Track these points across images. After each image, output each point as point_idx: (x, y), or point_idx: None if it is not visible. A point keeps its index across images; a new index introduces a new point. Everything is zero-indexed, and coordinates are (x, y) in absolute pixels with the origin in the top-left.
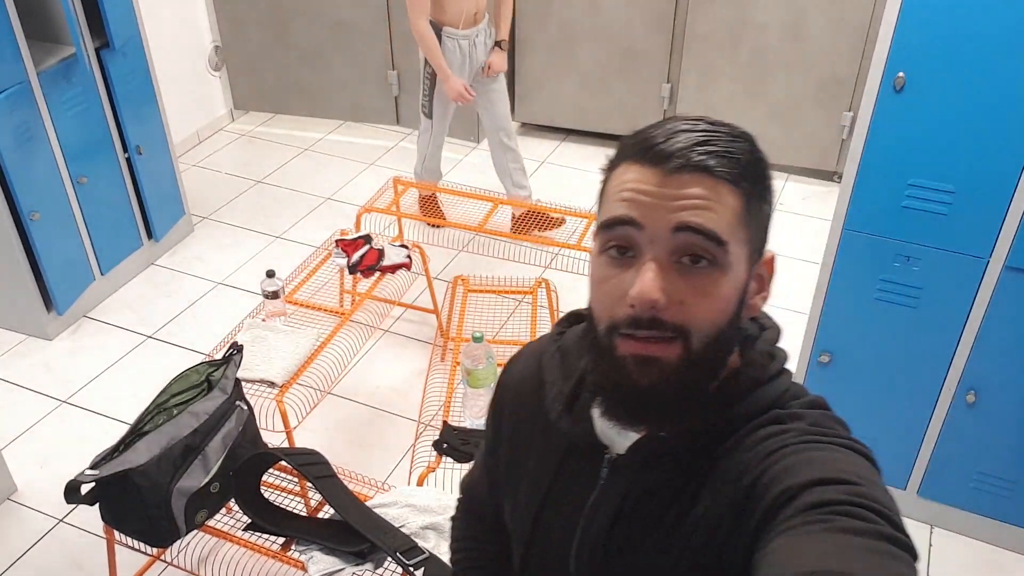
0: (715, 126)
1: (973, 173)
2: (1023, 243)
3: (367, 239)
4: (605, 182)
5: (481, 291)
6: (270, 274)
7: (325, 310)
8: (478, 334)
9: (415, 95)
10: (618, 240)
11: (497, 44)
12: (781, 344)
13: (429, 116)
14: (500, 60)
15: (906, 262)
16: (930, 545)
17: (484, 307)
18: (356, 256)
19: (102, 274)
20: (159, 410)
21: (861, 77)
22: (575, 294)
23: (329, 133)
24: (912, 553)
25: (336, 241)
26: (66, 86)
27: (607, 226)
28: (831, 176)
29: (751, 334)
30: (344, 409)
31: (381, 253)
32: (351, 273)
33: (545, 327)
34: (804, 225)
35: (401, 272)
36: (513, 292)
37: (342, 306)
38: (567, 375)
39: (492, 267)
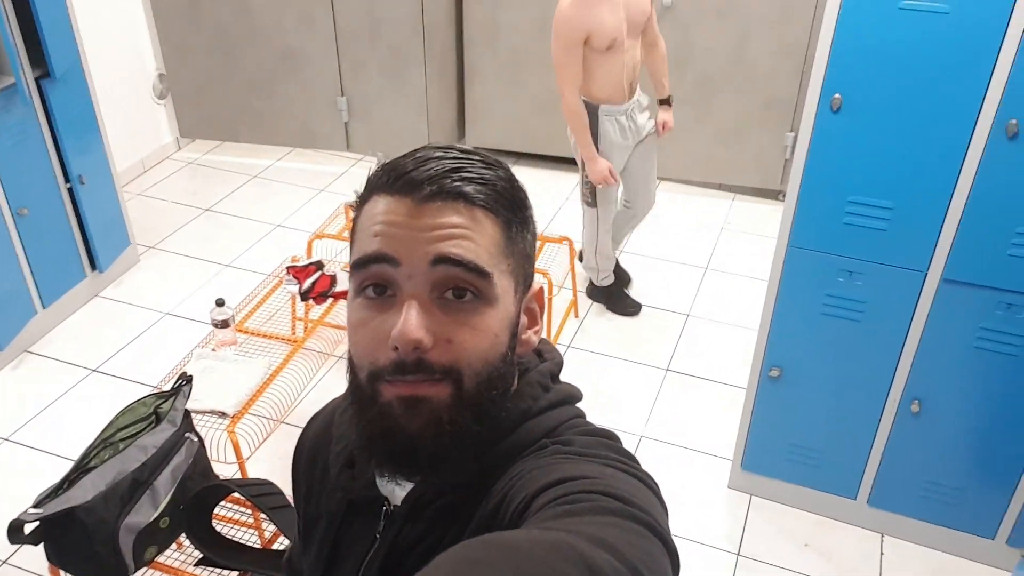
0: (467, 154)
1: (909, 190)
2: (959, 256)
3: (319, 265)
4: (355, 219)
5: None
6: (220, 303)
7: (277, 338)
8: None
9: (365, 120)
10: (374, 279)
11: (663, 103)
12: (565, 376)
13: (593, 204)
14: (669, 117)
15: (849, 277)
16: (881, 553)
17: None
18: (308, 282)
19: (44, 307)
20: (105, 445)
21: (801, 98)
22: None
23: (278, 160)
24: (652, 530)
25: (287, 268)
26: (4, 116)
27: (360, 264)
28: (776, 195)
29: (527, 367)
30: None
31: (333, 279)
32: (303, 300)
33: None
34: (751, 244)
35: None
36: None
37: (294, 333)
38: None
39: None
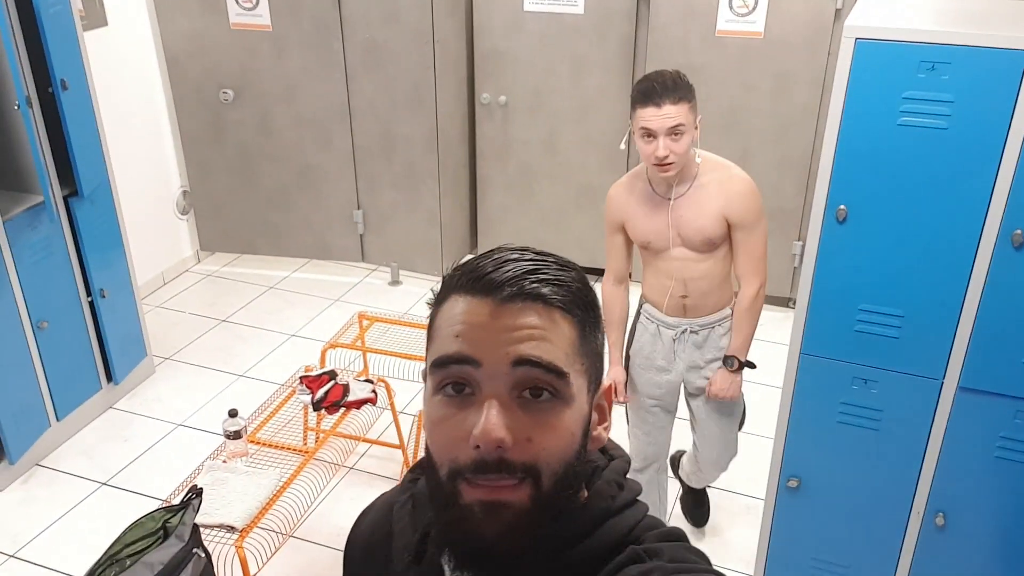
0: (542, 255)
1: (919, 298)
2: (974, 364)
3: (332, 375)
4: (433, 318)
5: None
6: (232, 413)
7: (289, 449)
8: None
9: (380, 233)
10: (454, 378)
11: (725, 361)
12: (631, 476)
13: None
14: (722, 381)
15: (864, 385)
16: None
17: None
18: (321, 392)
19: (58, 420)
20: (111, 562)
21: (807, 208)
22: None
23: (295, 271)
24: None
25: (300, 378)
26: (31, 233)
27: (441, 364)
28: (786, 302)
29: (598, 465)
30: (306, 553)
31: (346, 388)
32: (315, 410)
33: None
34: (764, 351)
35: (367, 407)
36: None
37: (306, 444)
38: (416, 525)
39: None
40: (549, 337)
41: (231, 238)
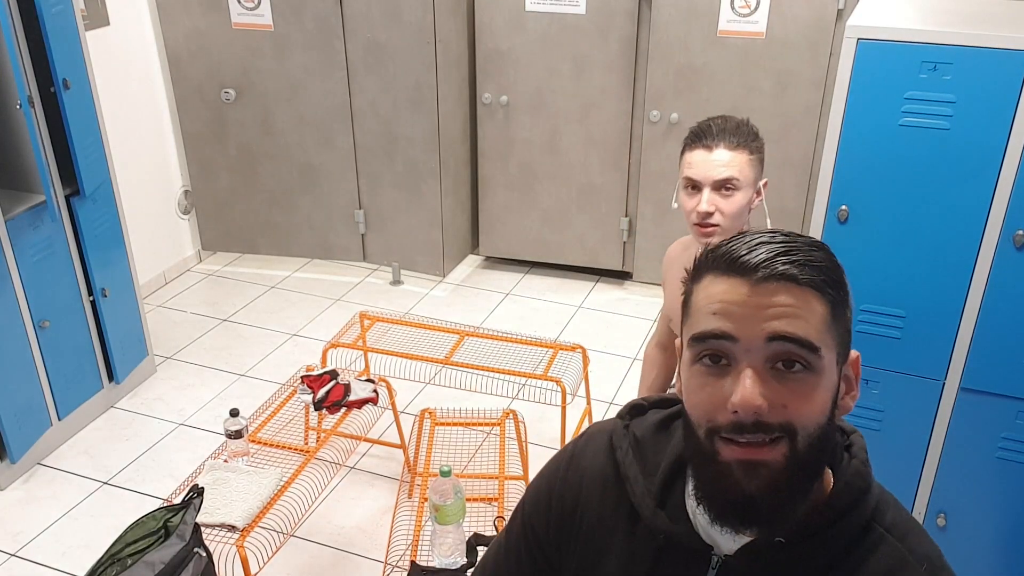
0: (791, 237)
1: (921, 299)
2: (975, 365)
3: (333, 374)
4: (689, 295)
5: (448, 424)
6: (233, 413)
7: (290, 448)
8: (446, 468)
9: (381, 232)
10: (712, 350)
11: None
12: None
13: None
14: None
15: (866, 386)
16: None
17: (452, 440)
18: (322, 392)
19: (59, 419)
20: (112, 561)
21: (808, 209)
22: (543, 424)
23: (296, 271)
24: None
25: (302, 377)
26: (32, 233)
27: (701, 339)
28: None
29: (838, 442)
30: (306, 552)
31: (347, 388)
32: (316, 409)
33: (514, 458)
34: None
35: (368, 407)
36: (481, 424)
37: (307, 443)
38: (648, 471)
39: (459, 399)
40: (801, 314)
41: (232, 238)
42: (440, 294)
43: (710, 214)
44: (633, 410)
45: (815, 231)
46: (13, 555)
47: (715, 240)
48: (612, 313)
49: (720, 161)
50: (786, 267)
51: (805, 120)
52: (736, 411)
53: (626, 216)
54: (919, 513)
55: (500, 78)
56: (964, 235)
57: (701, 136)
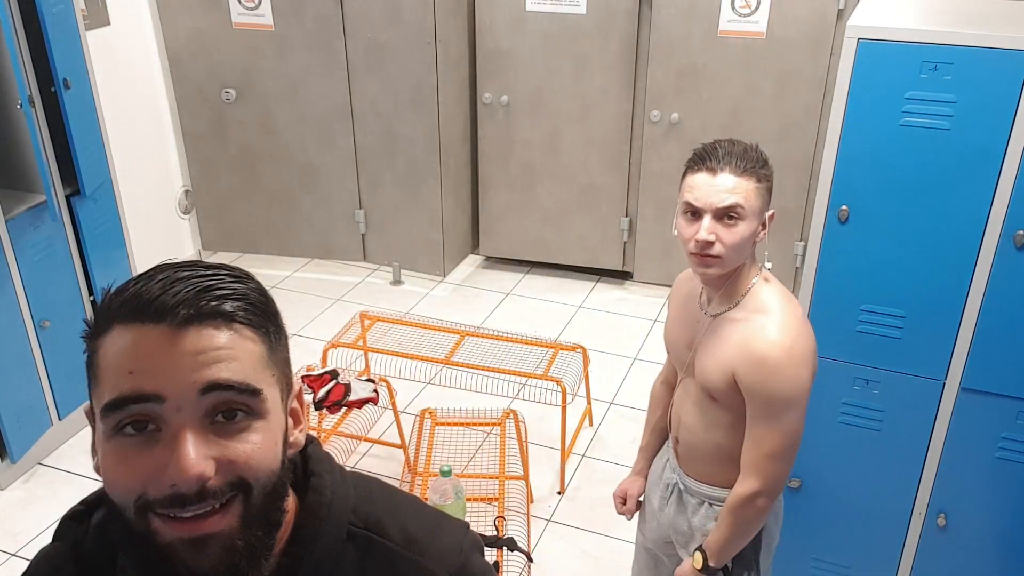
0: (213, 269)
1: (921, 298)
2: (976, 365)
3: (333, 374)
4: (93, 353)
5: (449, 424)
6: None
7: None
8: (446, 468)
9: (382, 232)
10: (134, 416)
11: (697, 550)
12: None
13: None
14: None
15: (866, 385)
16: None
17: (452, 440)
18: (322, 392)
19: (59, 419)
20: None
21: (808, 209)
22: (544, 424)
23: (296, 271)
24: None
25: (302, 377)
26: (32, 233)
27: (117, 406)
28: None
29: (295, 463)
30: None
31: (348, 388)
32: (317, 409)
33: (514, 458)
34: None
35: (368, 407)
36: (481, 424)
37: None
38: None
39: (459, 399)
40: (237, 355)
41: (233, 238)
42: (440, 294)
43: (710, 244)
44: (70, 522)
45: (816, 231)
46: (13, 555)
47: (714, 272)
48: (612, 313)
49: (724, 187)
50: (214, 304)
51: (805, 120)
52: (175, 484)
53: (626, 216)
54: (919, 514)
55: (500, 78)
56: (964, 235)
57: (705, 158)
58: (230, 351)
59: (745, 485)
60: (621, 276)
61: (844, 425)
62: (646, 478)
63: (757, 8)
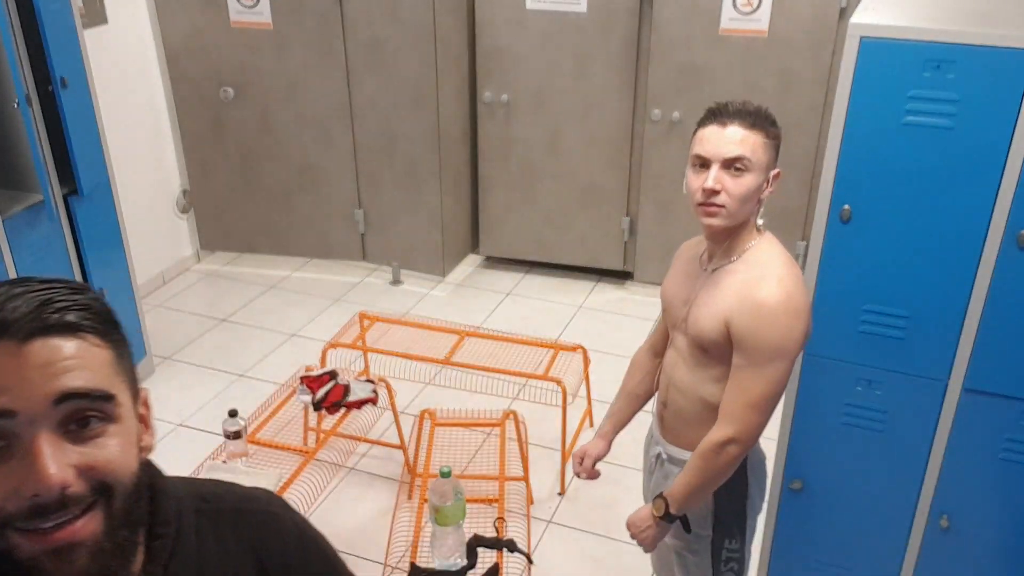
0: (50, 283)
1: (924, 298)
2: (979, 365)
3: (332, 375)
4: None
5: (449, 424)
6: (232, 413)
7: (289, 449)
8: (446, 469)
9: (381, 232)
10: None
11: (655, 499)
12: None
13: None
14: (638, 520)
15: (868, 386)
16: None
17: (452, 441)
18: (321, 392)
19: None
20: None
21: (811, 208)
22: (544, 425)
23: (295, 270)
24: None
25: (301, 378)
26: (29, 232)
27: None
28: None
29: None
30: None
31: (347, 388)
32: (316, 410)
33: (514, 459)
34: None
35: (367, 407)
36: (481, 424)
37: (306, 444)
38: None
39: (459, 399)
40: (87, 363)
41: (231, 237)
42: (440, 294)
43: (716, 192)
44: None
45: (818, 230)
46: None
47: (719, 223)
48: (613, 313)
49: (733, 138)
50: (57, 315)
51: (807, 119)
52: (37, 494)
53: (627, 216)
54: (922, 515)
55: (501, 77)
56: (967, 234)
57: (717, 113)
58: (80, 360)
59: (719, 431)
60: (622, 276)
61: (846, 426)
62: (609, 443)
63: (759, 6)
